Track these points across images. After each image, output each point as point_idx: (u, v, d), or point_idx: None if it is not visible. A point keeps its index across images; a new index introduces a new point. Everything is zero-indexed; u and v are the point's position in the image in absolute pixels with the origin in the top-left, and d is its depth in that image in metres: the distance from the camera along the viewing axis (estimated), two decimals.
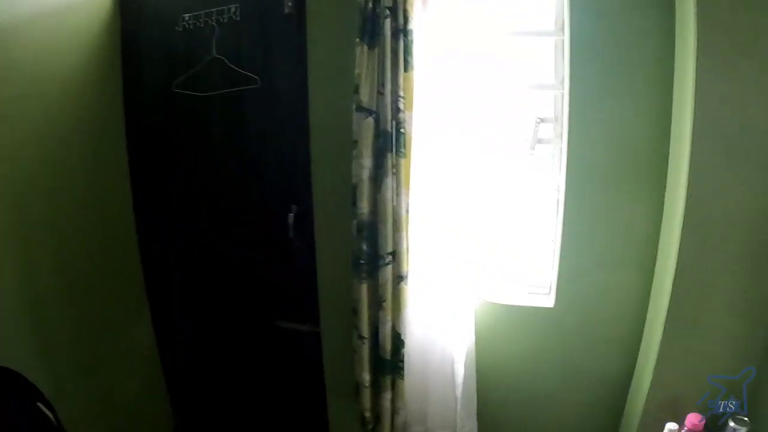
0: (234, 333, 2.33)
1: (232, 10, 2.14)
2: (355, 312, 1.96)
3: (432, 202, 1.92)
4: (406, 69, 1.82)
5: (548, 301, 2.03)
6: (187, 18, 2.20)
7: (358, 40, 1.85)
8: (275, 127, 2.12)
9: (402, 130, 1.82)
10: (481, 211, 1.95)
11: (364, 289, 1.93)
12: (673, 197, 1.82)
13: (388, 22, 1.82)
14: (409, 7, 1.82)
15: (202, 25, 2.17)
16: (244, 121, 2.16)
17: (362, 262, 1.91)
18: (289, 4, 2.08)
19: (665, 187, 1.89)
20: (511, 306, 2.03)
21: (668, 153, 1.88)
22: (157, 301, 2.38)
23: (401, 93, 1.81)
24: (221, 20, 2.15)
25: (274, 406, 2.38)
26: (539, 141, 1.96)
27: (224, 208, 2.23)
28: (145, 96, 2.28)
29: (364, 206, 1.88)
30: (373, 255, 1.91)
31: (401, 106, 1.81)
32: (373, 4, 1.84)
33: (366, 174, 1.86)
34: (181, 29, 2.21)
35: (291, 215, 2.09)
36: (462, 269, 1.94)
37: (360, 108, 1.85)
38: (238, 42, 2.15)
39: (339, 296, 2.05)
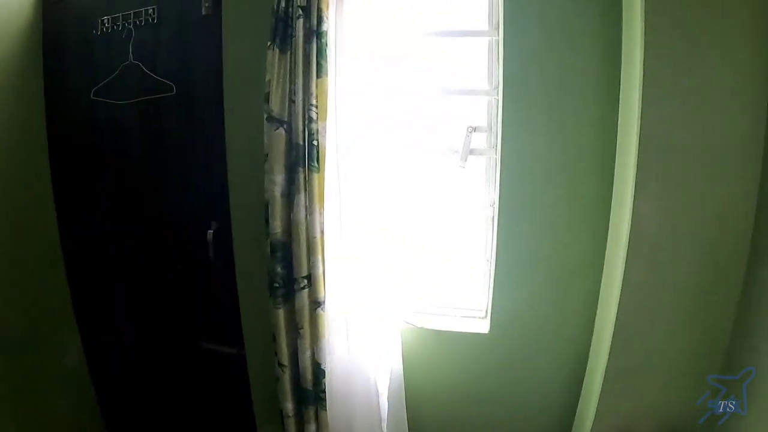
0: (163, 352, 2.08)
1: (150, 11, 1.88)
2: (274, 338, 1.71)
3: (353, 219, 1.65)
4: (319, 74, 1.55)
5: (483, 326, 1.76)
6: (105, 21, 1.94)
7: (269, 43, 1.58)
8: (192, 137, 1.86)
9: (314, 142, 1.55)
10: (409, 227, 1.68)
11: (281, 314, 1.67)
12: (619, 212, 1.56)
13: (300, 22, 1.56)
14: (323, 6, 1.55)
15: (120, 29, 1.91)
16: (161, 130, 1.90)
17: (277, 285, 1.65)
18: (206, 4, 1.81)
19: (610, 202, 1.63)
20: (443, 331, 1.77)
21: (613, 165, 1.61)
22: (85, 318, 2.13)
23: (314, 101, 1.55)
24: (138, 23, 1.89)
25: (205, 428, 2.14)
26: (471, 152, 1.68)
27: (146, 224, 1.97)
28: (66, 103, 2.01)
29: (277, 225, 1.62)
30: (288, 278, 1.65)
31: (313, 115, 1.55)
32: (286, 4, 1.57)
33: (278, 190, 1.60)
34: (99, 33, 1.94)
35: (210, 232, 1.83)
36: (387, 292, 1.68)
37: (270, 118, 1.59)
38: (156, 46, 1.88)
39: (262, 318, 1.79)
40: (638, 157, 1.42)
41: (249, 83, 1.69)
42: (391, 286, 1.68)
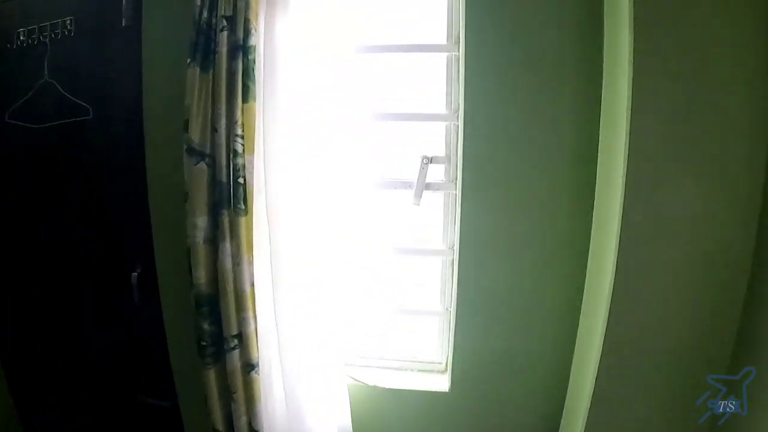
0: (94, 404, 1.69)
1: (67, 23, 1.48)
2: (206, 400, 1.34)
3: (289, 267, 1.27)
4: (245, 98, 1.17)
5: (443, 382, 1.41)
6: (21, 33, 1.54)
7: (189, 60, 1.20)
8: (111, 168, 1.47)
9: (240, 180, 1.18)
10: (356, 272, 1.31)
11: (212, 375, 1.30)
12: (600, 254, 1.22)
13: (224, 36, 1.17)
14: (252, 17, 1.17)
15: (35, 42, 1.52)
16: (78, 159, 1.51)
17: (205, 344, 1.28)
18: (126, 14, 1.42)
19: (589, 242, 1.28)
20: (397, 390, 1.40)
21: (593, 199, 1.26)
22: (12, 370, 1.73)
23: (239, 131, 1.17)
24: (54, 36, 1.49)
25: None
26: (427, 187, 1.31)
27: (66, 265, 1.57)
28: None
29: (201, 276, 1.24)
30: (217, 335, 1.28)
31: (239, 147, 1.17)
32: (209, 14, 1.19)
33: (201, 235, 1.22)
34: (14, 47, 1.54)
35: (135, 275, 1.45)
36: (333, 346, 1.32)
37: (191, 150, 1.21)
38: (72, 63, 1.49)
39: (197, 370, 1.41)
40: (625, 193, 1.10)
41: (172, 107, 1.30)
42: (337, 338, 1.32)
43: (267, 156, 1.19)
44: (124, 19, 1.43)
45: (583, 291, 1.30)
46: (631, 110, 1.07)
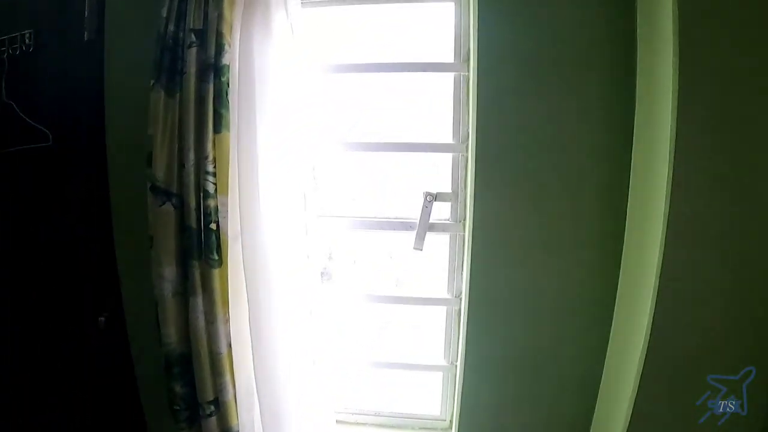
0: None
1: (26, 36, 1.23)
2: None
3: (274, 322, 1.03)
4: (217, 128, 0.92)
5: None
6: None
7: (152, 81, 0.95)
8: (72, 203, 1.21)
9: (212, 225, 0.93)
10: (350, 323, 1.07)
11: None
12: (631, 309, 1.00)
13: (193, 53, 0.92)
14: (225, 30, 0.91)
15: None
16: (36, 190, 1.25)
17: (178, 408, 1.04)
18: (89, 27, 1.17)
19: (616, 291, 1.04)
20: None
21: (622, 242, 1.01)
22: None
23: (210, 167, 0.92)
24: (12, 51, 1.24)
25: None
26: (431, 228, 1.06)
27: (27, 313, 1.31)
28: None
29: (171, 333, 1.00)
30: (191, 399, 1.04)
31: (210, 187, 0.92)
32: (176, 27, 0.94)
33: (168, 288, 0.98)
34: None
35: (101, 320, 1.20)
36: (322, 407, 1.07)
37: (155, 188, 0.96)
38: (32, 81, 1.24)
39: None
40: (665, 238, 0.87)
41: (139, 134, 1.05)
42: (326, 399, 1.08)
43: (243, 197, 0.94)
44: (86, 33, 1.19)
45: (607, 345, 1.07)
46: (674, 159, 0.83)
